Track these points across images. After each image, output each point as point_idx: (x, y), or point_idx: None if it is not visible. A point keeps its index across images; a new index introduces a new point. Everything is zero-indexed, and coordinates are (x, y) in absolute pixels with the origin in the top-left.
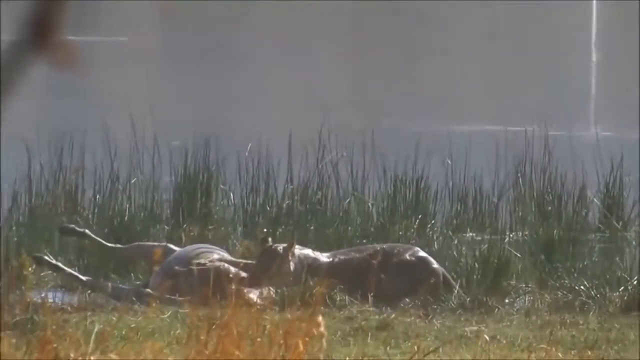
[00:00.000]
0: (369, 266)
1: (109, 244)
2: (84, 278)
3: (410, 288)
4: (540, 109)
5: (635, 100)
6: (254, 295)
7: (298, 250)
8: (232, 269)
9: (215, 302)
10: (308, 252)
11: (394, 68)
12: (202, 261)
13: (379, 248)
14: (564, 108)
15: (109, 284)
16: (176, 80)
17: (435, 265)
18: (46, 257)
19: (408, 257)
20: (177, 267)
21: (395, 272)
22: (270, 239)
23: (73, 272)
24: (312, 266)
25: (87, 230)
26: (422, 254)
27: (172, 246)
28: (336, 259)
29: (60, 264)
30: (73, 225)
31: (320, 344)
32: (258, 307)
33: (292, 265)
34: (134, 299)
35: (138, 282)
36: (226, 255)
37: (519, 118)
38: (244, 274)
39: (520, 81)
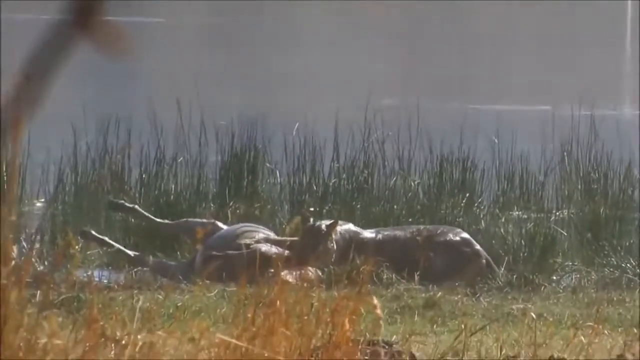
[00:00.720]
0: (412, 244)
1: (158, 220)
2: (130, 253)
3: (453, 268)
4: (585, 88)
5: None
6: (293, 277)
7: (339, 226)
8: (275, 250)
9: (262, 281)
10: (349, 226)
11: (441, 47)
12: (247, 241)
13: (422, 227)
14: (608, 88)
15: (151, 259)
16: (222, 60)
17: (478, 247)
18: (92, 232)
19: (452, 237)
20: (221, 246)
21: (439, 251)
22: (312, 218)
23: (119, 246)
24: (355, 241)
25: (136, 206)
26: (465, 235)
27: (219, 224)
28: (380, 236)
29: (106, 238)
30: (122, 201)
31: (378, 326)
32: (305, 285)
33: (334, 243)
34: (179, 276)
35: (184, 260)
36: (272, 234)
37: (564, 97)
38: (287, 254)
39: (565, 61)
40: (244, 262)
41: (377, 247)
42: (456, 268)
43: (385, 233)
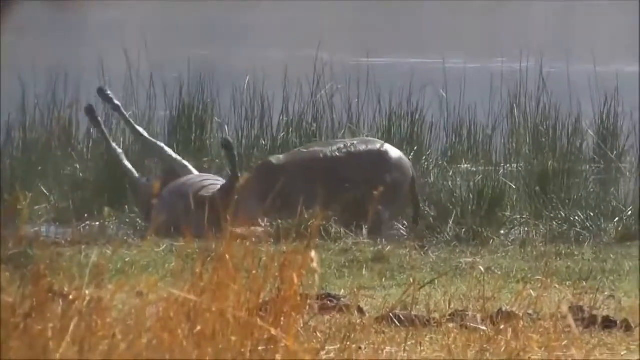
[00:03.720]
0: (328, 157)
1: (138, 127)
2: (118, 150)
3: (372, 178)
4: (536, 43)
5: (631, 34)
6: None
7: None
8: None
9: (212, 232)
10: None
11: (390, 2)
12: (205, 192)
13: (343, 144)
14: (560, 43)
15: (131, 168)
16: (172, 14)
17: (403, 162)
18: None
19: (368, 147)
20: (179, 197)
21: (357, 161)
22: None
23: (110, 141)
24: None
25: (120, 104)
26: (387, 154)
27: (191, 167)
28: (298, 156)
29: (103, 127)
30: (110, 94)
31: (314, 280)
32: (253, 239)
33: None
34: (140, 202)
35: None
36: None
37: (514, 52)
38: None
39: (517, 17)
40: (194, 219)
41: (301, 167)
42: (373, 178)
43: (305, 151)
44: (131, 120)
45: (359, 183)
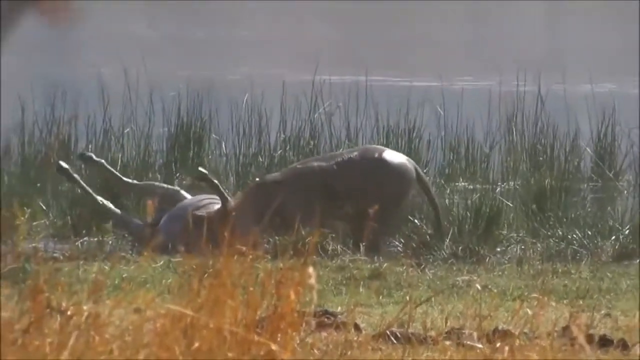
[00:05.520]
0: (332, 173)
1: (124, 178)
2: (99, 199)
3: (370, 183)
4: (534, 62)
5: (629, 55)
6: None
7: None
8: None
9: (209, 251)
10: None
11: (389, 21)
12: (202, 212)
13: (339, 154)
14: (559, 62)
15: (119, 211)
16: (170, 31)
17: (401, 163)
18: (68, 167)
19: (365, 155)
20: (182, 218)
21: (353, 169)
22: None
23: (89, 190)
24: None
25: (103, 161)
26: (387, 161)
27: (183, 192)
28: (290, 172)
29: (79, 178)
30: (91, 154)
31: (311, 296)
32: (250, 255)
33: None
34: (136, 236)
35: (144, 222)
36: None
37: (512, 71)
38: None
39: (515, 36)
40: (197, 232)
41: (293, 181)
42: (372, 183)
43: (299, 166)
44: (117, 173)
45: (356, 196)
